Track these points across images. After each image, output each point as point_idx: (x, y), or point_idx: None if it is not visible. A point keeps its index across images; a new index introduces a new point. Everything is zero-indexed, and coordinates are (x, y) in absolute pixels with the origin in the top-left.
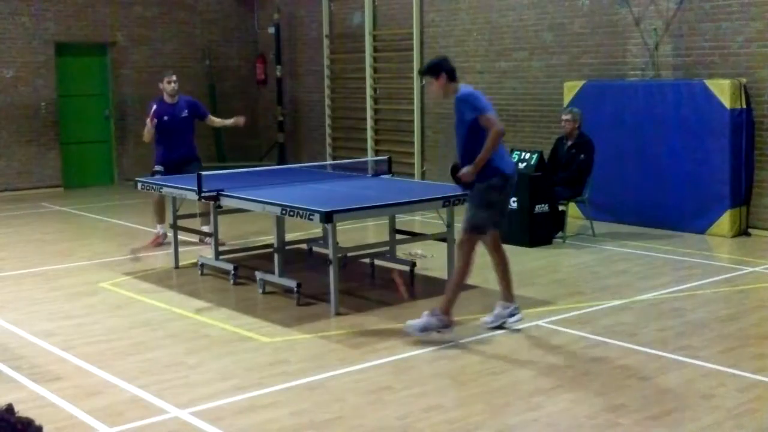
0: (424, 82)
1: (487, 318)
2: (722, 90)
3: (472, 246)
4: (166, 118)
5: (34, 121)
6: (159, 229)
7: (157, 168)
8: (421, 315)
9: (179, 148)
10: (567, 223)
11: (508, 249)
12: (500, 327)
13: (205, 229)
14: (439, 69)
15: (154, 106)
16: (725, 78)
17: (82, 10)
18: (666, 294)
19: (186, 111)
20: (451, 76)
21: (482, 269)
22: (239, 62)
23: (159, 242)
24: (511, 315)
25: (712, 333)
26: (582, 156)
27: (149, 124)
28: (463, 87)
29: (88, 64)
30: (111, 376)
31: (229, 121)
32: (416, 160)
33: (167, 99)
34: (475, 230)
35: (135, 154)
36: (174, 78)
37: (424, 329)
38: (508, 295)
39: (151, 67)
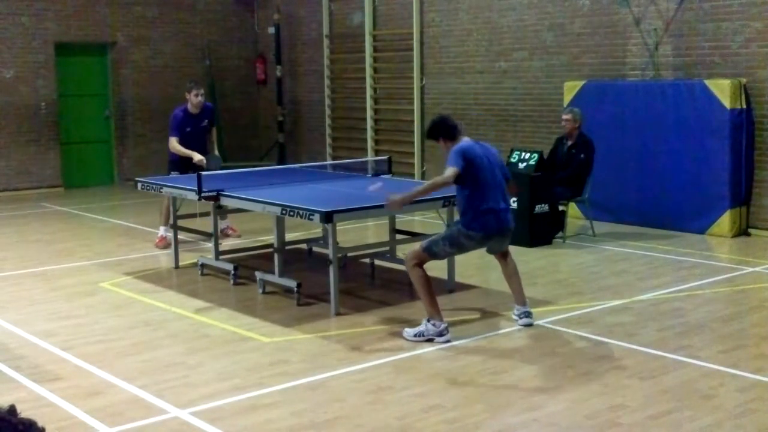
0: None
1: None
2: (722, 90)
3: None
4: (188, 129)
5: (34, 121)
6: (162, 231)
7: (174, 174)
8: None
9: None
10: (567, 223)
11: (509, 249)
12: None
13: (221, 225)
14: (437, 133)
15: (180, 115)
16: (725, 78)
17: (82, 10)
18: (666, 294)
19: (206, 120)
20: (450, 136)
21: (482, 269)
22: (239, 62)
23: (166, 243)
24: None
25: (712, 333)
26: (582, 156)
27: (185, 151)
28: (463, 143)
29: (88, 64)
30: (111, 376)
31: (213, 145)
32: (416, 160)
33: (192, 110)
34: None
35: (135, 154)
36: (202, 91)
37: (419, 335)
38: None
39: (151, 67)
